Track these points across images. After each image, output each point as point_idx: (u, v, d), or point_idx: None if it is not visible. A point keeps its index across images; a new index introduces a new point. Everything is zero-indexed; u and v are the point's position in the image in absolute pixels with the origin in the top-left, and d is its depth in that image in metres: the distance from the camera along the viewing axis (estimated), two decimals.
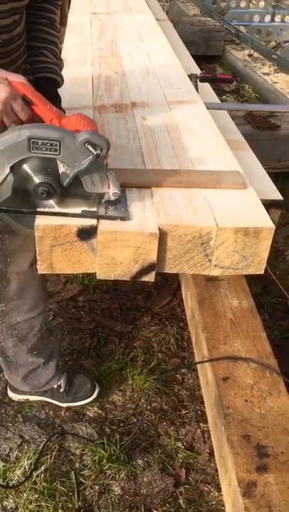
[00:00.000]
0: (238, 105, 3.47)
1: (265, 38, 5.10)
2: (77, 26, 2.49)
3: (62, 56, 1.34)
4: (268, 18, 5.63)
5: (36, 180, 0.92)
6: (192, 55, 3.03)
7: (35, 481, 1.55)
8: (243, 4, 5.98)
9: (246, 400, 1.35)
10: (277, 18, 5.64)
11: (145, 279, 0.98)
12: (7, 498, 1.53)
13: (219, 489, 1.47)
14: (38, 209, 0.95)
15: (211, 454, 1.62)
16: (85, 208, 0.96)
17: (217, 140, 1.34)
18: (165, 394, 1.86)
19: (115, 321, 2.15)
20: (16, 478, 1.57)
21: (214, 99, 2.49)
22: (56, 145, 0.88)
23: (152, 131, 1.37)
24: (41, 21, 1.24)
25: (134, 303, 2.25)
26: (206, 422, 1.63)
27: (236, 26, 5.14)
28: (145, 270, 0.97)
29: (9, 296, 1.51)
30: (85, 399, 1.78)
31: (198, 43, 4.68)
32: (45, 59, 1.24)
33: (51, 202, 0.95)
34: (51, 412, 1.78)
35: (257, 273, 1.01)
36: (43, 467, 1.59)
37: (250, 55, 4.68)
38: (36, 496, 1.52)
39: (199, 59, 3.26)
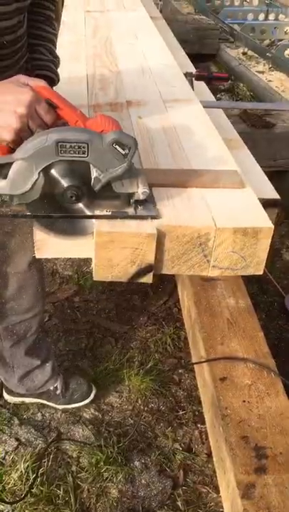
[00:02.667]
0: (234, 103, 3.46)
1: (259, 36, 5.10)
2: (71, 24, 2.47)
3: None
4: (261, 16, 5.63)
5: (65, 183, 0.91)
6: (186, 54, 3.02)
7: (31, 484, 1.54)
8: (237, 2, 5.97)
9: (244, 401, 1.35)
10: (271, 16, 5.63)
11: (143, 280, 0.97)
12: (3, 501, 1.51)
13: (218, 491, 1.47)
14: (67, 213, 0.94)
15: (209, 455, 1.61)
16: (115, 209, 0.95)
17: (214, 139, 1.32)
18: (162, 395, 1.85)
19: (111, 322, 2.14)
20: (13, 481, 1.55)
21: (210, 97, 2.48)
22: (84, 147, 0.87)
23: (148, 129, 1.35)
24: (37, 18, 1.23)
25: (130, 303, 2.24)
26: (203, 422, 1.62)
27: (230, 24, 5.13)
28: (143, 271, 0.96)
29: (7, 297, 1.50)
30: (82, 401, 1.77)
31: (193, 42, 4.66)
32: (40, 56, 1.22)
33: (80, 205, 0.93)
34: (47, 415, 1.77)
35: (256, 273, 1.00)
36: (39, 470, 1.57)
37: (244, 54, 4.67)
38: (33, 499, 1.50)
39: (194, 58, 3.24)
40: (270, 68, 4.24)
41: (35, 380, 1.73)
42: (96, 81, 1.72)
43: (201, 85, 2.46)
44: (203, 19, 5.18)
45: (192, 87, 1.87)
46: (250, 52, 4.66)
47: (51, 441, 1.66)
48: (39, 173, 0.89)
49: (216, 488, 1.51)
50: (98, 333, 2.09)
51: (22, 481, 1.55)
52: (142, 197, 0.94)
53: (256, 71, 4.20)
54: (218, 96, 4.02)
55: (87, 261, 1.00)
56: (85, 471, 1.60)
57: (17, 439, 1.68)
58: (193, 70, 2.45)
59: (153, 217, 0.94)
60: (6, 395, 1.80)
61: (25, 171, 0.88)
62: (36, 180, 0.89)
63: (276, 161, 2.63)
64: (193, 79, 2.14)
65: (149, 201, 0.97)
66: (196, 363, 1.55)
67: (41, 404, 1.79)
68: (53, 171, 0.90)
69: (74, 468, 1.61)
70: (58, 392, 1.75)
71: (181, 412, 1.80)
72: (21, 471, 1.57)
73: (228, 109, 2.45)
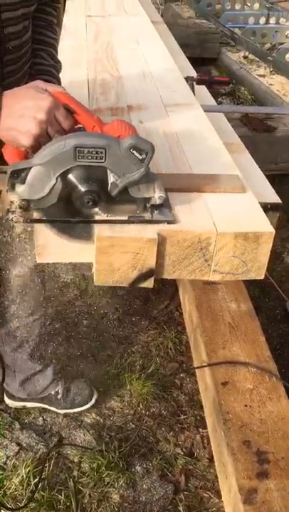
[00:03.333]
0: (235, 107, 3.47)
1: (260, 39, 5.11)
2: (72, 29, 2.48)
3: None
4: (262, 20, 5.64)
5: (82, 188, 0.91)
6: (188, 58, 3.03)
7: (32, 489, 1.53)
8: (237, 6, 5.99)
9: (246, 405, 1.34)
10: (272, 20, 5.64)
11: (144, 285, 0.97)
12: (5, 507, 1.51)
13: (219, 496, 1.46)
14: (84, 218, 0.94)
15: (211, 459, 1.61)
16: (131, 214, 0.95)
17: (215, 143, 1.33)
18: (164, 399, 1.84)
19: (113, 326, 2.14)
20: (14, 486, 1.55)
21: (211, 101, 2.49)
22: (102, 152, 0.88)
23: (149, 134, 1.35)
24: (38, 23, 1.23)
25: (131, 307, 2.24)
26: (205, 427, 1.62)
27: (231, 28, 5.15)
28: (144, 276, 0.96)
29: (9, 301, 1.50)
30: (83, 405, 1.77)
31: (194, 46, 4.68)
32: (41, 61, 1.22)
33: (97, 210, 0.94)
34: (49, 419, 1.76)
35: (257, 278, 0.99)
36: (40, 475, 1.57)
37: (245, 57, 4.68)
38: (34, 504, 1.50)
39: (195, 61, 3.25)
40: (271, 72, 4.25)
41: (36, 385, 1.73)
42: (97, 86, 1.73)
43: (202, 89, 2.46)
44: (204, 23, 5.20)
45: (193, 92, 1.88)
46: (251, 56, 4.67)
47: (52, 447, 1.65)
48: (57, 178, 0.89)
49: (218, 493, 1.51)
50: (99, 337, 2.08)
51: (23, 486, 1.55)
52: (158, 202, 0.94)
53: (257, 75, 4.21)
54: (219, 100, 4.03)
55: (88, 265, 1.00)
56: (87, 476, 1.59)
57: (18, 444, 1.68)
58: (194, 74, 2.46)
59: (169, 222, 0.95)
60: (7, 400, 1.80)
61: (43, 176, 0.89)
62: (54, 185, 0.90)
63: (277, 164, 2.64)
64: (194, 83, 2.14)
65: (164, 206, 0.97)
66: (197, 367, 1.55)
67: (42, 408, 1.78)
68: (71, 176, 0.90)
69: (75, 473, 1.60)
70: (59, 396, 1.75)
71: (182, 417, 1.79)
72: (22, 476, 1.57)
73: (229, 113, 2.46)
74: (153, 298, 2.28)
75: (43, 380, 1.73)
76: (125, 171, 0.90)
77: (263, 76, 4.17)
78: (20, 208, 0.92)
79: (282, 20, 5.64)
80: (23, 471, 1.58)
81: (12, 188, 0.91)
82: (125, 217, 0.95)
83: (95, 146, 0.87)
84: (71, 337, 2.08)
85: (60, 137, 0.89)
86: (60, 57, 1.32)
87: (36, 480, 1.55)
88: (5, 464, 1.62)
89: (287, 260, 2.57)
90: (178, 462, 1.65)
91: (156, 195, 0.94)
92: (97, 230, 0.93)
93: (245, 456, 1.22)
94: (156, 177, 0.95)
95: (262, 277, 0.99)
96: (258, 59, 4.57)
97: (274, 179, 1.81)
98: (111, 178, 0.91)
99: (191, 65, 2.91)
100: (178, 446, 1.70)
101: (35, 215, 0.93)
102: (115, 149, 0.88)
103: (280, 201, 1.56)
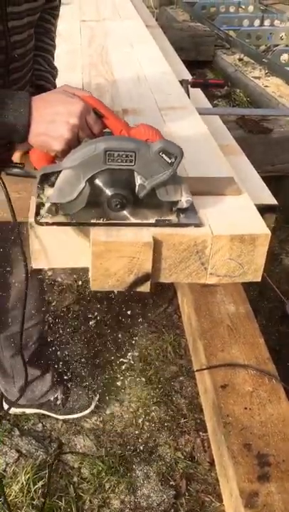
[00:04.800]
0: (230, 109, 3.48)
1: (255, 42, 5.12)
2: (66, 33, 2.48)
3: None
4: (257, 22, 5.65)
5: (110, 192, 0.92)
6: (183, 61, 3.03)
7: (33, 496, 1.52)
8: (232, 9, 6.00)
9: (246, 408, 1.34)
10: (267, 22, 5.66)
11: (140, 289, 0.96)
12: None
13: (221, 499, 1.45)
14: (112, 221, 0.95)
15: (212, 463, 1.60)
16: (158, 217, 0.95)
17: (210, 146, 1.33)
18: (163, 403, 1.84)
19: (111, 330, 2.13)
20: (14, 493, 1.54)
21: (206, 104, 2.49)
22: (132, 156, 0.88)
23: None
24: (37, 30, 1.23)
25: (130, 311, 2.23)
26: (205, 430, 1.61)
27: (226, 31, 5.16)
28: (140, 280, 0.95)
29: (8, 306, 1.49)
30: (83, 411, 1.76)
31: (189, 49, 4.69)
32: (38, 67, 1.23)
33: (124, 213, 0.94)
34: (48, 425, 1.76)
35: (254, 280, 0.99)
36: (40, 482, 1.56)
37: (240, 60, 4.68)
38: (35, 511, 1.49)
39: (190, 64, 3.26)
40: (266, 74, 4.25)
41: (35, 391, 1.72)
42: (92, 90, 1.73)
43: (198, 92, 2.46)
44: (199, 26, 5.21)
45: (188, 95, 1.88)
46: (246, 58, 4.67)
47: (55, 458, 1.63)
48: (86, 182, 0.90)
49: (219, 496, 1.50)
50: (98, 341, 2.08)
51: (23, 493, 1.54)
52: (185, 205, 0.94)
53: (252, 77, 4.21)
54: (214, 102, 4.03)
55: (86, 269, 1.00)
56: (87, 482, 1.58)
57: (18, 451, 1.67)
58: (189, 77, 2.46)
59: (196, 225, 0.95)
60: (6, 406, 1.79)
61: (73, 179, 0.90)
62: (83, 188, 0.90)
63: (274, 166, 2.64)
64: (189, 86, 2.14)
65: (190, 209, 0.97)
66: (197, 371, 1.54)
67: (42, 414, 1.78)
68: (98, 180, 0.91)
69: (75, 479, 1.59)
70: (59, 402, 1.74)
71: (182, 420, 1.78)
72: (22, 483, 1.56)
73: (225, 115, 2.46)
74: (151, 301, 2.27)
75: (42, 385, 1.72)
76: (153, 174, 0.90)
77: (259, 78, 4.17)
78: (49, 211, 0.92)
79: (276, 22, 5.65)
80: (23, 477, 1.57)
81: (41, 191, 0.92)
82: (152, 221, 0.95)
83: (125, 150, 0.88)
84: (70, 342, 2.07)
85: (89, 141, 0.90)
86: (55, 61, 1.33)
87: (36, 487, 1.54)
88: (4, 471, 1.61)
89: (286, 262, 2.57)
90: (178, 466, 1.64)
91: (184, 199, 0.94)
92: (93, 234, 0.93)
93: (246, 459, 1.21)
94: (183, 180, 0.95)
95: (259, 279, 0.99)
96: (253, 61, 4.57)
97: (270, 181, 1.80)
98: (138, 181, 0.91)
99: (186, 68, 2.91)
100: (178, 450, 1.69)
101: (63, 218, 0.93)
102: (145, 153, 0.89)
103: (276, 203, 1.55)
